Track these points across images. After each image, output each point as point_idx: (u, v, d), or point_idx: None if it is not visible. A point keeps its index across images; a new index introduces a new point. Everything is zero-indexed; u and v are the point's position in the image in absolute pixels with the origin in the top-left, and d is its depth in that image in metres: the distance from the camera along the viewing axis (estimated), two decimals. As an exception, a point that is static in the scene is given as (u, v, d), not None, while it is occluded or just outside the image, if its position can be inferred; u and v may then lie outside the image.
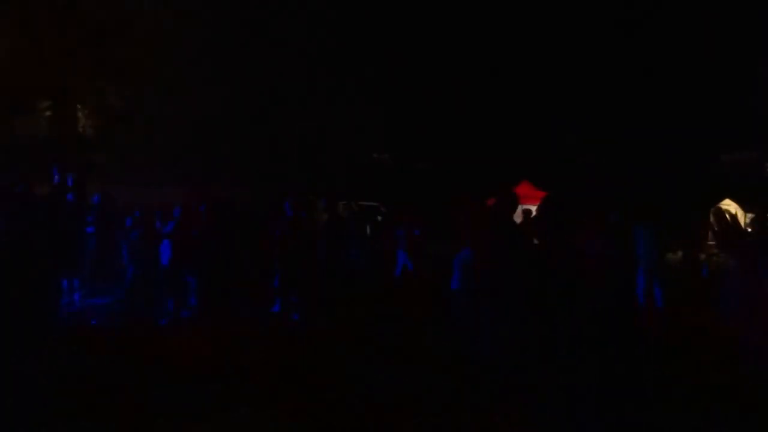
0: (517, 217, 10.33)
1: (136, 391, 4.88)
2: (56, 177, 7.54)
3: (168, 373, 5.36)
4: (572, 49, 17.17)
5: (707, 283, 10.74)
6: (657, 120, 19.98)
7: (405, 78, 16.15)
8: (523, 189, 13.73)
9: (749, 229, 12.22)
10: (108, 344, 6.47)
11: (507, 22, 16.99)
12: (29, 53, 11.99)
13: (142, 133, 14.57)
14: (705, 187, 18.01)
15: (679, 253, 12.66)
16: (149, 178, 12.28)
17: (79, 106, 14.11)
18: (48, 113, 13.83)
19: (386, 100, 16.30)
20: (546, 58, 17.35)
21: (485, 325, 4.91)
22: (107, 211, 8.70)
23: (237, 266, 8.35)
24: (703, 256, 12.48)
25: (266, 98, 14.78)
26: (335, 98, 15.38)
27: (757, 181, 20.36)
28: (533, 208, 9.91)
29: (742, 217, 15.47)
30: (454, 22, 16.26)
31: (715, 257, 11.92)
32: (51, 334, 5.67)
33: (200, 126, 14.86)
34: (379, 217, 12.71)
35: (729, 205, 15.66)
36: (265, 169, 14.54)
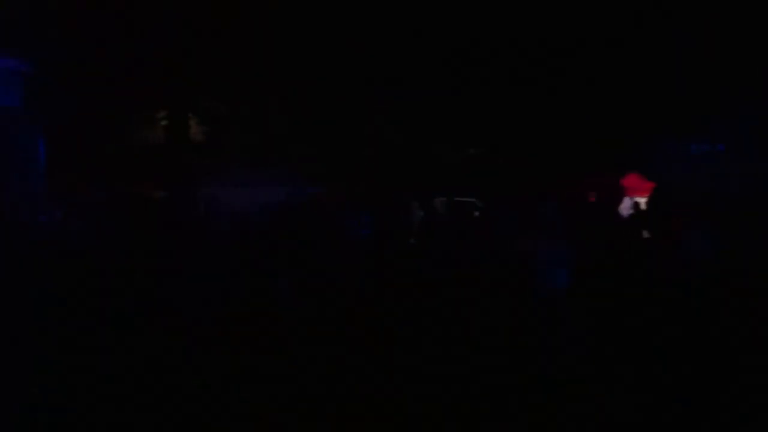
0: (626, 210, 9.77)
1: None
2: (170, 181, 8.13)
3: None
4: (687, 33, 15.90)
5: None
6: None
7: (499, 68, 15.74)
8: (630, 181, 12.98)
9: None
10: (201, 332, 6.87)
11: (610, 4, 16.03)
12: (146, 66, 12.96)
13: (246, 136, 15.35)
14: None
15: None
16: (251, 179, 12.87)
17: (190, 115, 15.12)
18: (163, 122, 14.98)
19: (481, 92, 15.96)
20: (659, 41, 16.19)
21: (582, 324, 4.69)
22: (213, 211, 9.27)
23: (330, 266, 8.53)
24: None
25: (360, 95, 14.98)
26: (429, 92, 15.30)
27: None
28: (643, 201, 9.34)
29: None
30: (546, 10, 15.60)
31: None
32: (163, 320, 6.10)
33: (297, 126, 15.39)
34: (477, 213, 12.50)
35: None
36: (359, 167, 14.76)
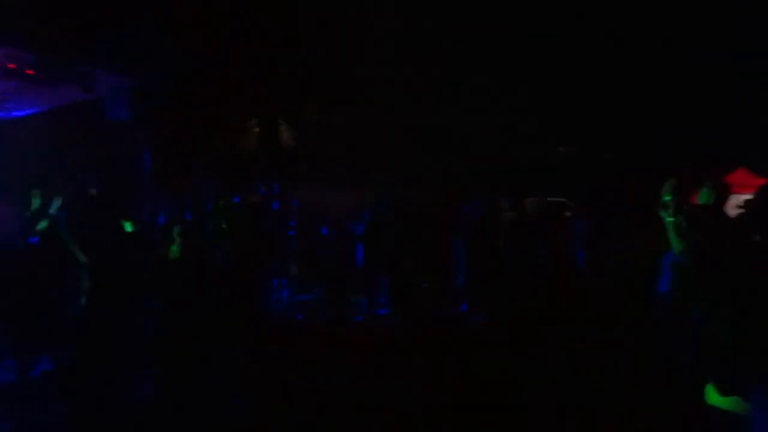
0: (732, 209, 9.06)
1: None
2: (262, 188, 8.44)
3: (353, 367, 5.66)
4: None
5: None
6: None
7: (589, 63, 15.09)
8: (738, 177, 12.05)
9: None
10: (310, 336, 7.09)
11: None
12: (239, 75, 13.54)
13: (337, 141, 15.68)
14: None
15: None
16: (343, 184, 13.12)
17: (281, 122, 15.70)
18: (256, 130, 15.64)
19: (570, 88, 15.37)
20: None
21: (696, 330, 4.36)
22: (306, 215, 9.55)
23: (420, 266, 8.55)
24: None
25: (448, 95, 14.86)
26: (518, 90, 14.94)
27: None
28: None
29: None
30: (641, 7, 14.77)
31: None
32: (265, 325, 6.32)
33: (387, 129, 15.50)
34: (568, 213, 12.04)
35: None
36: (448, 168, 14.64)
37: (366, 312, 8.40)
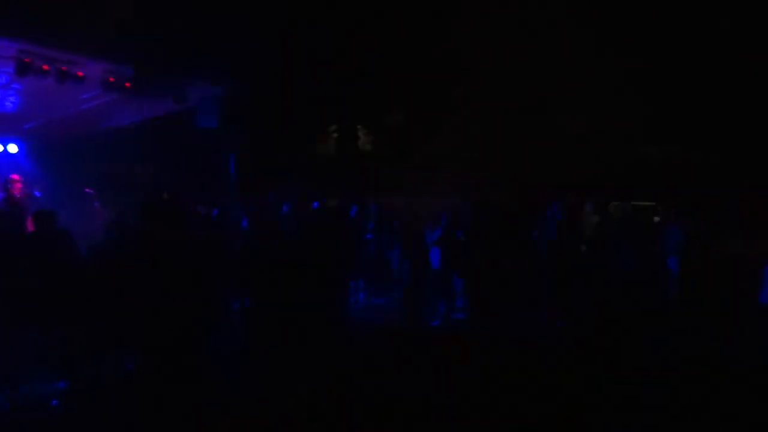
0: None
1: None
2: (340, 193, 8.60)
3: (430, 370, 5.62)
4: None
5: None
6: None
7: (674, 57, 14.21)
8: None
9: None
10: (387, 339, 7.13)
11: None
12: (320, 83, 13.86)
13: (414, 145, 15.72)
14: None
15: None
16: (420, 187, 13.13)
17: (359, 126, 15.95)
18: (335, 135, 15.97)
19: (654, 85, 14.54)
20: None
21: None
22: (383, 219, 9.63)
23: (502, 270, 8.39)
24: None
25: (528, 95, 14.50)
26: (601, 88, 14.34)
27: None
28: None
29: None
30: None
31: None
32: (343, 327, 6.43)
33: (466, 131, 15.37)
34: (657, 218, 11.45)
35: None
36: (530, 170, 14.30)
37: (443, 317, 8.36)
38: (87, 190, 11.57)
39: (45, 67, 7.60)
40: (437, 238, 8.44)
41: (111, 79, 8.36)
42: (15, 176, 10.25)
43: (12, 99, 9.98)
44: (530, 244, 8.63)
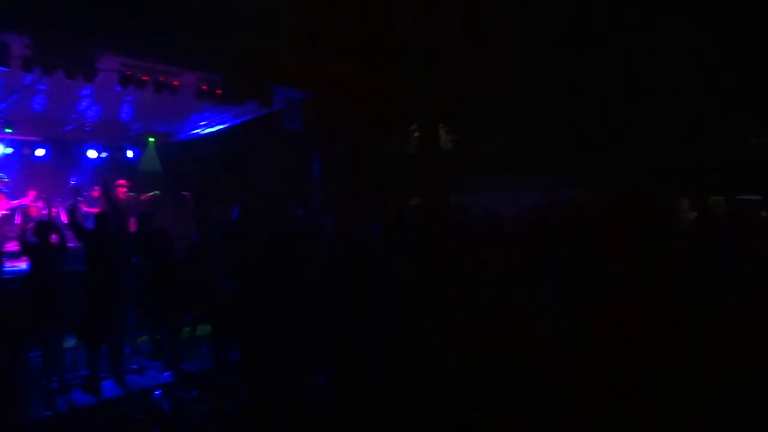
0: None
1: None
2: (424, 191, 8.57)
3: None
4: None
5: None
6: None
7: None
8: None
9: None
10: (477, 339, 7.01)
11: None
12: (402, 84, 13.93)
13: (498, 142, 15.46)
14: None
15: None
16: (505, 186, 12.87)
17: (440, 125, 15.88)
18: (416, 134, 16.00)
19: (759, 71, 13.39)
20: None
21: None
22: (464, 218, 9.51)
23: (588, 270, 8.04)
24: None
25: (619, 85, 13.81)
26: (701, 77, 13.42)
27: None
28: None
29: None
30: None
31: None
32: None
33: (552, 126, 14.92)
34: (764, 213, 10.59)
35: None
36: (621, 165, 13.64)
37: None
38: (183, 193, 12.28)
39: (144, 78, 8.15)
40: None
41: (204, 87, 8.82)
42: (121, 180, 11.08)
43: (119, 109, 10.79)
44: (620, 243, 8.22)
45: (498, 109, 15.32)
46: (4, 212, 10.06)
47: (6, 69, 6.75)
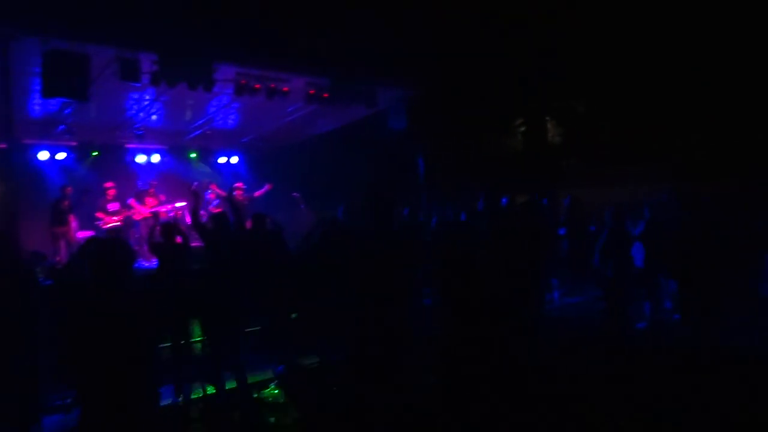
0: None
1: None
2: (530, 187, 8.30)
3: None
4: None
5: None
6: None
7: None
8: None
9: None
10: (585, 342, 6.70)
11: None
12: (506, 76, 13.61)
13: (607, 135, 14.65)
14: None
15: None
16: (616, 179, 12.20)
17: (547, 119, 15.32)
18: (522, 129, 15.54)
19: None
20: None
21: None
22: (577, 213, 9.09)
23: (715, 268, 7.38)
24: None
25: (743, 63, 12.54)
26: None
27: None
28: None
29: None
30: None
31: None
32: (538, 326, 6.19)
33: (664, 115, 13.90)
34: None
35: None
36: (742, 156, 12.42)
37: (649, 318, 7.63)
38: (294, 194, 12.81)
39: (257, 86, 8.56)
40: (640, 233, 7.73)
41: (311, 92, 9.12)
42: (239, 184, 11.77)
43: (233, 117, 11.45)
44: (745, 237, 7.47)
45: (607, 100, 14.52)
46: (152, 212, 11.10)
47: (138, 84, 7.36)
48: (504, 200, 9.24)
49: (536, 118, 15.32)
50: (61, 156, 11.93)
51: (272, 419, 5.48)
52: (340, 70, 8.83)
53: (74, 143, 11.89)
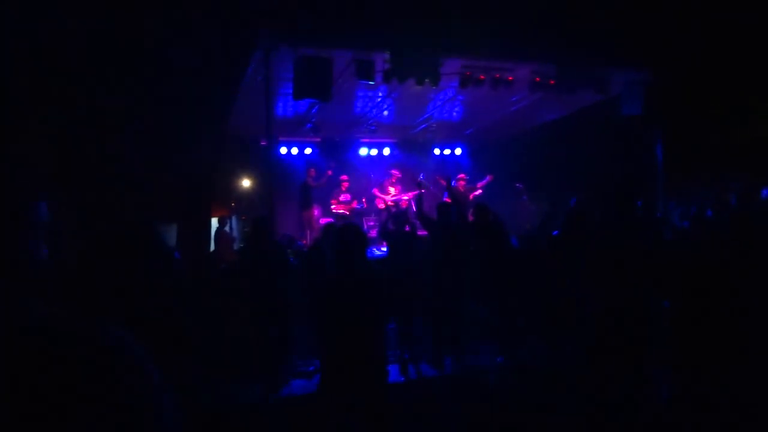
0: None
1: None
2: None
3: None
4: None
5: None
6: None
7: None
8: None
9: None
10: None
11: None
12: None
13: None
14: None
15: None
16: None
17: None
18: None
19: None
20: None
21: None
22: None
23: None
24: None
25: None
26: None
27: None
28: None
29: None
30: None
31: None
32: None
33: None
34: None
35: None
36: None
37: None
38: (517, 185, 12.61)
39: (481, 77, 8.57)
40: None
41: (537, 80, 8.83)
42: (462, 175, 12.02)
43: (457, 110, 11.66)
44: None
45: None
46: (394, 200, 12.18)
47: (371, 82, 7.91)
48: (765, 192, 7.89)
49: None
50: (307, 151, 13.57)
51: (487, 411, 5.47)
52: (571, 55, 8.38)
53: (317, 139, 13.31)
